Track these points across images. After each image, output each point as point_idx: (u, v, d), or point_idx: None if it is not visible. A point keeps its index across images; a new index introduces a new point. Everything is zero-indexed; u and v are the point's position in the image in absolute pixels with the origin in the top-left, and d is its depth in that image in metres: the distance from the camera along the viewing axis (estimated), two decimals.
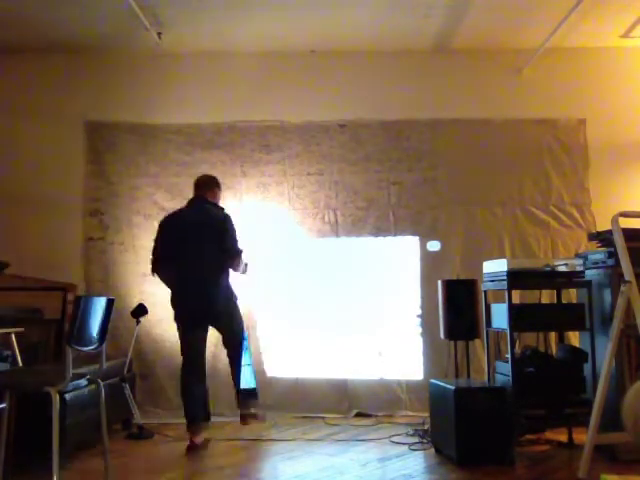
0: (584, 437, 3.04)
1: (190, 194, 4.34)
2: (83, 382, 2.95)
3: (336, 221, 4.83)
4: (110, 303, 2.90)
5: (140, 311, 4.21)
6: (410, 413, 4.49)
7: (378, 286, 4.65)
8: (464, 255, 4.73)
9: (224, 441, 3.89)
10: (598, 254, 3.57)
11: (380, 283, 4.65)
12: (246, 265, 4.01)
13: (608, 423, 3.02)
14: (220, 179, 4.16)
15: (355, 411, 4.54)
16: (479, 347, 4.51)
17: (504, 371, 3.52)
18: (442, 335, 4.00)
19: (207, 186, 4.03)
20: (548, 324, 3.59)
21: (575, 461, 3.14)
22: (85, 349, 2.77)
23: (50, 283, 4.53)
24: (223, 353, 4.59)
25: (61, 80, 4.95)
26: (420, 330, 4.57)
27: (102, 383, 2.93)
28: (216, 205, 4.02)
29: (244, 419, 3.88)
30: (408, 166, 4.85)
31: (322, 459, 3.47)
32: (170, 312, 4.63)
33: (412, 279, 4.65)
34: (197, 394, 3.79)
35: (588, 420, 2.98)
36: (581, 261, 3.58)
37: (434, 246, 4.74)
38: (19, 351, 3.73)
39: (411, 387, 4.57)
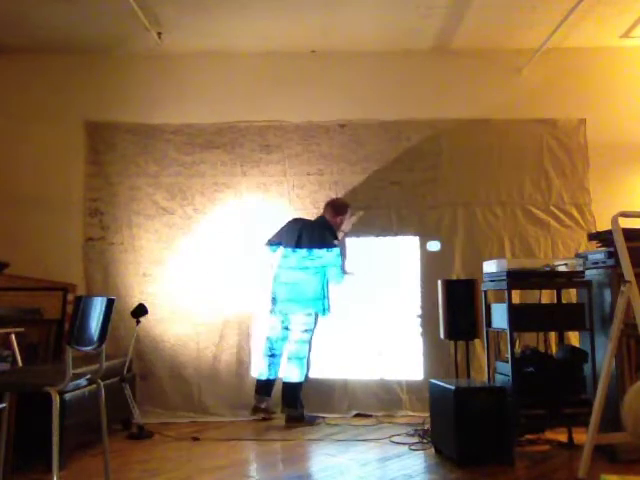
0: (584, 437, 3.04)
1: (189, 194, 4.29)
2: (83, 382, 2.94)
3: None
4: (110, 303, 2.89)
5: (140, 311, 4.21)
6: (410, 413, 4.49)
7: (378, 286, 4.64)
8: (464, 255, 4.73)
9: (224, 441, 3.89)
10: (598, 254, 3.57)
11: (380, 283, 4.65)
12: None
13: (608, 423, 3.02)
14: (220, 179, 4.12)
15: (355, 411, 4.54)
16: (479, 347, 4.50)
17: (504, 371, 3.51)
18: (442, 335, 4.01)
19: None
20: (548, 324, 3.59)
21: (575, 461, 3.14)
22: (85, 349, 2.76)
23: (50, 283, 4.53)
24: (224, 354, 4.61)
25: (61, 80, 4.94)
26: (420, 330, 4.56)
27: (102, 383, 2.93)
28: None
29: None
30: (408, 166, 4.85)
31: (322, 459, 3.47)
32: (169, 312, 4.66)
33: (412, 279, 4.64)
34: None
35: (588, 420, 2.98)
36: (581, 261, 3.58)
37: (434, 246, 4.74)
38: (19, 351, 3.73)
39: (411, 387, 4.57)
